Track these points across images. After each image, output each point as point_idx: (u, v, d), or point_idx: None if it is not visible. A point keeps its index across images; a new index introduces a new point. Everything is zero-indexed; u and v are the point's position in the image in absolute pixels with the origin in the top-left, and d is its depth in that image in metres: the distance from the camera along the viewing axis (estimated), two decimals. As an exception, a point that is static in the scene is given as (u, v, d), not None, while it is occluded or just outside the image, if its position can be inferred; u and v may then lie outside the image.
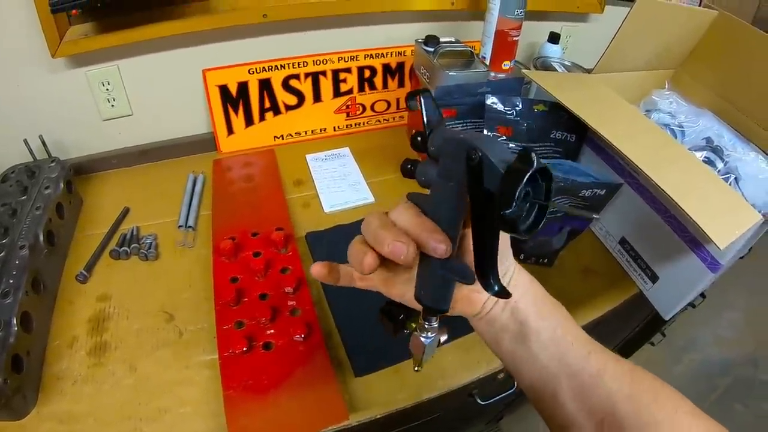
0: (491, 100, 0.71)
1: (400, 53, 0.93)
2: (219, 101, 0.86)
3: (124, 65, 0.79)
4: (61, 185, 0.70)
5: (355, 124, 0.99)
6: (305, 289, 0.63)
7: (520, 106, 0.72)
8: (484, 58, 0.84)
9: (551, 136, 0.73)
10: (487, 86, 0.75)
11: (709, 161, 0.68)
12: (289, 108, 0.91)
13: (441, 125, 0.33)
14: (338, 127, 0.97)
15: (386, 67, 0.94)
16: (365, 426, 0.52)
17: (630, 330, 1.12)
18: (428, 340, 0.34)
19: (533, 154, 0.23)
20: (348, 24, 0.89)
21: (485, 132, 0.73)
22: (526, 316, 0.32)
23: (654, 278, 0.66)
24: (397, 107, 1.00)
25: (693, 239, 0.59)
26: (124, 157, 0.86)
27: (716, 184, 0.56)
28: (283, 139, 0.94)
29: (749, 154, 0.69)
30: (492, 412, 1.06)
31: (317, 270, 0.35)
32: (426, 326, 0.33)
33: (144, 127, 0.87)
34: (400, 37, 0.93)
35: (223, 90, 0.85)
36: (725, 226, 0.50)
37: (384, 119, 1.00)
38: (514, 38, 0.81)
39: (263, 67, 0.85)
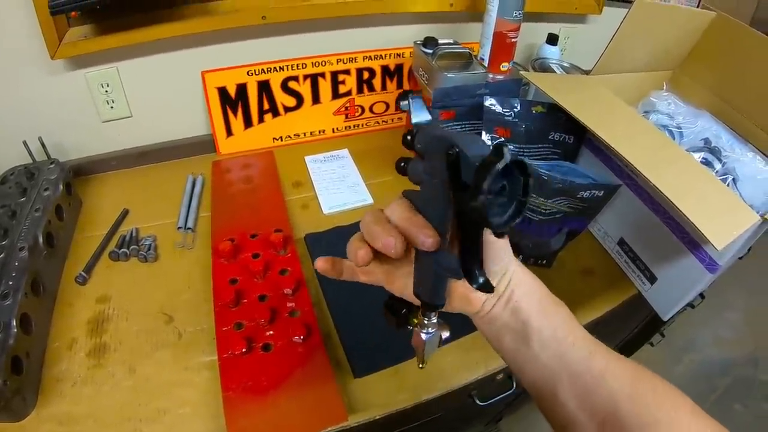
0: (490, 102, 0.71)
1: (398, 55, 0.93)
2: (218, 103, 0.86)
3: (124, 67, 0.79)
4: (61, 187, 0.70)
5: (354, 126, 0.99)
6: (304, 290, 0.63)
7: (519, 107, 0.72)
8: (483, 59, 0.84)
9: (549, 137, 0.73)
10: (485, 88, 0.75)
11: (707, 162, 0.68)
12: (288, 110, 0.91)
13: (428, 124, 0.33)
14: (337, 128, 0.97)
15: (385, 69, 0.94)
16: (364, 427, 0.53)
17: (629, 331, 1.13)
18: (428, 336, 0.34)
19: (506, 148, 0.24)
20: (347, 26, 0.90)
21: (483, 134, 0.73)
22: (528, 315, 0.32)
23: (652, 279, 0.67)
24: (396, 109, 1.00)
25: (691, 240, 0.59)
26: (123, 158, 0.87)
27: (714, 185, 0.57)
28: (282, 140, 0.94)
29: (747, 155, 0.69)
30: (491, 413, 1.06)
31: (321, 264, 0.37)
32: (425, 322, 0.34)
33: (143, 128, 0.87)
34: (398, 39, 0.93)
35: (222, 92, 0.85)
36: (723, 226, 0.50)
37: (383, 121, 1.01)
38: (513, 40, 0.81)
39: (262, 69, 0.85)
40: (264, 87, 0.87)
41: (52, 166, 0.72)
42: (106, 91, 0.80)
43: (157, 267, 0.68)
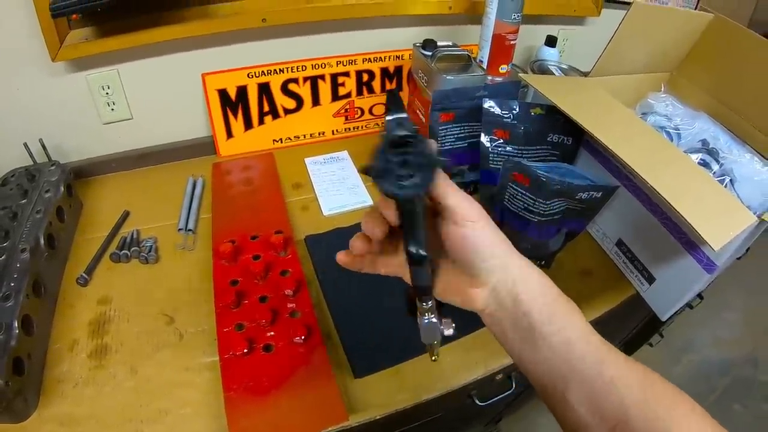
0: (488, 104, 0.72)
1: (398, 57, 0.94)
2: (218, 105, 0.86)
3: (124, 69, 0.80)
4: (62, 189, 0.70)
5: (354, 128, 0.99)
6: (305, 291, 0.63)
7: (517, 109, 0.72)
8: (482, 61, 0.85)
9: (548, 139, 0.74)
10: (484, 90, 0.75)
11: (704, 163, 0.69)
12: (287, 112, 0.92)
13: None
14: (337, 130, 0.98)
15: (384, 71, 0.95)
16: (365, 427, 0.53)
17: (628, 331, 1.13)
18: (425, 322, 0.36)
19: (392, 124, 0.28)
20: (346, 28, 0.90)
21: (483, 136, 0.73)
22: (536, 318, 0.32)
23: (651, 279, 0.67)
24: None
25: (689, 241, 0.60)
26: (123, 160, 0.87)
27: (711, 186, 0.57)
28: (282, 142, 0.95)
29: (745, 156, 0.69)
30: (491, 414, 1.06)
31: (342, 258, 0.38)
32: (424, 306, 0.35)
33: (144, 130, 0.88)
34: (398, 42, 0.94)
35: (223, 94, 0.86)
36: (720, 227, 0.50)
37: (382, 123, 1.01)
38: (511, 42, 0.82)
39: (262, 71, 0.86)
40: (264, 89, 0.88)
41: (52, 167, 0.72)
42: (107, 93, 0.81)
43: (158, 268, 0.69)
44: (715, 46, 0.80)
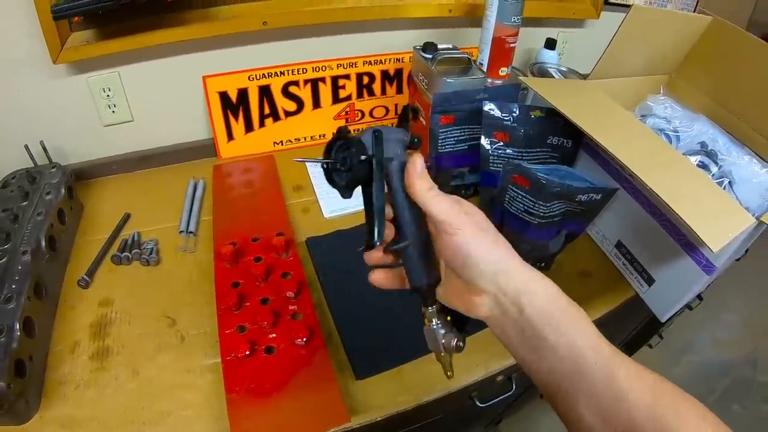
0: (488, 107, 0.72)
1: (398, 60, 0.94)
2: (219, 107, 0.87)
3: (125, 72, 0.80)
4: (63, 191, 0.70)
5: (354, 131, 0.99)
6: (306, 293, 0.63)
7: (517, 112, 0.73)
8: (482, 64, 0.85)
9: (548, 141, 0.74)
10: (484, 92, 0.76)
11: (703, 165, 0.69)
12: (288, 114, 0.92)
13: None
14: (337, 132, 0.98)
15: (385, 74, 0.95)
16: (366, 428, 0.53)
17: (627, 333, 1.13)
18: (425, 327, 0.37)
19: (341, 129, 0.34)
20: (347, 31, 0.90)
21: (483, 138, 0.74)
22: (542, 328, 0.31)
23: (650, 281, 0.67)
24: (396, 113, 1.01)
25: (688, 242, 0.60)
26: (124, 162, 0.87)
27: (710, 188, 0.57)
28: (282, 144, 0.95)
29: (743, 158, 0.70)
30: (491, 415, 1.06)
31: (377, 277, 0.38)
32: (429, 311, 0.37)
33: (144, 133, 0.88)
34: (398, 44, 0.94)
35: (223, 96, 0.86)
36: (719, 229, 0.50)
37: (383, 125, 1.01)
38: (511, 45, 0.82)
39: (263, 74, 0.86)
40: (265, 91, 0.88)
41: (53, 170, 0.72)
42: (108, 96, 0.81)
43: (160, 270, 0.69)
44: (713, 48, 0.80)
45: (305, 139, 0.96)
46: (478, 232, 0.32)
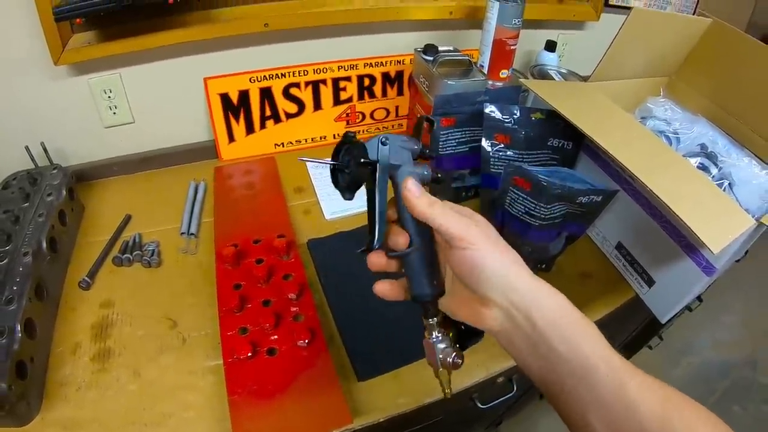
0: (489, 109, 0.72)
1: (399, 62, 0.94)
2: (220, 109, 0.87)
3: (126, 73, 0.80)
4: (64, 192, 0.70)
5: (355, 132, 0.99)
6: (308, 295, 0.63)
7: (518, 114, 0.73)
8: (482, 66, 0.86)
9: (548, 143, 0.74)
10: (485, 95, 0.76)
11: (703, 167, 0.69)
12: (289, 116, 0.92)
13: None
14: (338, 134, 0.98)
15: (385, 76, 0.95)
16: (368, 430, 0.53)
17: (627, 334, 1.13)
18: (430, 340, 0.36)
19: (348, 134, 0.35)
20: (348, 33, 0.91)
21: (484, 140, 0.74)
22: (553, 341, 0.31)
23: (650, 282, 0.67)
24: (396, 115, 1.01)
25: (688, 244, 0.60)
26: (125, 164, 0.87)
27: (710, 190, 0.57)
28: (283, 146, 0.95)
29: (743, 160, 0.70)
30: (492, 416, 1.06)
31: (381, 288, 0.38)
32: (430, 323, 0.36)
33: (145, 134, 0.88)
34: (399, 46, 0.94)
35: (224, 98, 0.86)
36: (719, 230, 0.51)
37: (383, 127, 1.01)
38: (512, 47, 0.83)
39: (264, 76, 0.86)
40: (266, 93, 0.88)
41: (54, 171, 0.72)
42: (109, 97, 0.81)
43: (161, 272, 0.69)
44: (713, 50, 0.81)
45: (306, 141, 0.96)
46: (491, 245, 0.32)
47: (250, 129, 0.91)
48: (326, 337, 0.59)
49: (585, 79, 0.82)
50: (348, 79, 0.92)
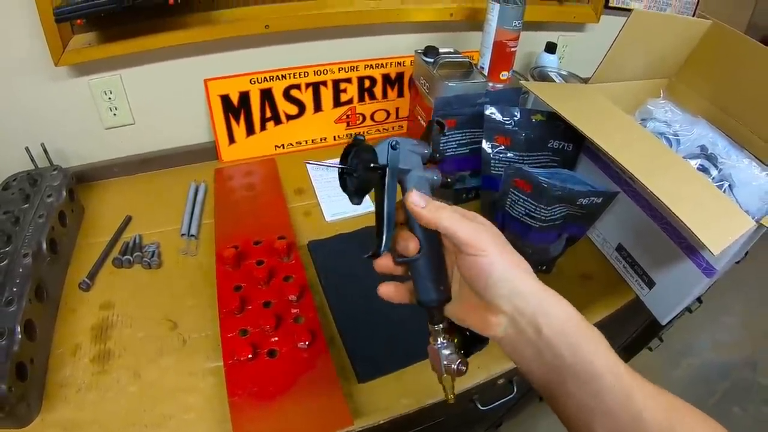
0: (490, 111, 0.72)
1: (399, 63, 0.94)
2: (220, 111, 0.87)
3: (127, 74, 0.80)
4: (64, 193, 0.70)
5: (364, 136, 0.99)
6: (308, 296, 0.63)
7: (519, 116, 0.73)
8: (483, 68, 0.86)
9: (549, 145, 0.74)
10: (485, 96, 0.76)
11: (703, 169, 0.70)
12: (290, 117, 0.92)
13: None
14: (338, 136, 0.98)
15: (386, 78, 0.95)
16: (369, 431, 0.53)
17: (628, 335, 1.13)
18: (434, 346, 0.36)
19: (358, 138, 0.33)
20: (348, 35, 0.91)
21: (484, 142, 0.74)
22: (560, 350, 0.31)
23: (650, 284, 0.67)
24: (397, 117, 1.01)
25: (688, 245, 0.60)
26: (125, 165, 0.87)
27: (710, 191, 0.58)
28: (284, 148, 0.95)
29: (743, 161, 0.70)
30: (492, 418, 1.06)
31: (385, 290, 0.38)
32: (435, 329, 0.36)
33: (146, 135, 0.88)
34: (399, 48, 0.94)
35: (225, 99, 0.86)
36: (719, 232, 0.51)
37: (384, 128, 1.01)
38: (512, 49, 0.83)
39: (265, 77, 0.86)
40: (266, 95, 0.88)
41: (54, 172, 0.72)
42: (109, 98, 0.81)
43: (161, 273, 0.69)
44: (713, 52, 0.81)
45: (306, 143, 0.96)
46: (501, 252, 0.32)
47: (250, 130, 0.91)
48: (327, 339, 0.59)
49: (585, 80, 0.82)
50: (348, 80, 0.92)
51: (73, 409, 0.52)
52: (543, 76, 0.98)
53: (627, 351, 1.25)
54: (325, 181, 0.87)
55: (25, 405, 0.49)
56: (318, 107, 0.93)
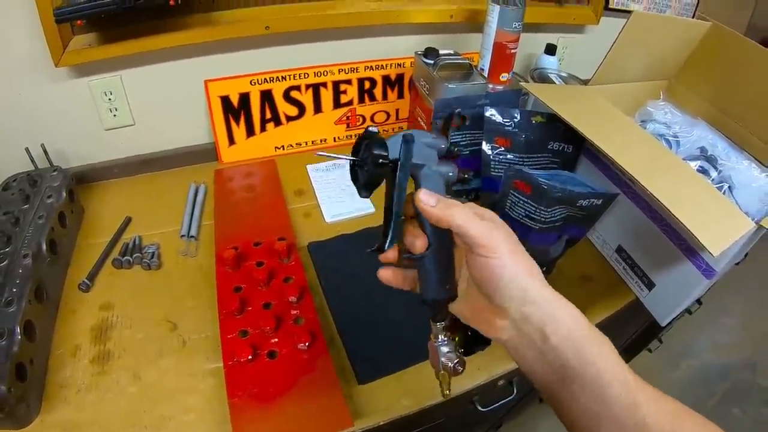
0: (490, 112, 0.72)
1: (399, 65, 0.94)
2: (221, 112, 0.87)
3: (127, 75, 0.80)
4: (64, 194, 0.70)
5: (356, 135, 0.99)
6: (308, 297, 0.63)
7: (519, 117, 0.73)
8: (483, 70, 0.86)
9: (549, 147, 0.74)
10: (485, 98, 0.76)
11: (703, 170, 0.70)
12: (290, 119, 0.92)
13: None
14: (338, 137, 0.98)
15: (386, 79, 0.95)
16: (369, 433, 0.53)
17: (627, 337, 1.13)
18: (434, 343, 0.36)
19: (370, 130, 0.33)
20: (349, 36, 0.91)
21: (484, 144, 0.74)
22: (566, 356, 0.30)
23: (650, 285, 0.67)
24: (397, 118, 1.01)
25: (688, 247, 0.60)
26: (125, 166, 0.87)
27: (710, 193, 0.58)
28: (284, 149, 0.95)
29: (743, 163, 0.70)
30: (492, 419, 1.06)
31: (385, 274, 0.37)
32: (437, 327, 0.36)
33: (146, 136, 0.88)
34: (399, 50, 0.94)
35: (225, 101, 0.86)
36: (719, 233, 0.51)
37: (384, 130, 1.01)
38: (512, 50, 0.83)
39: (265, 79, 0.86)
40: (266, 96, 0.88)
41: (54, 173, 0.72)
42: (109, 99, 0.81)
43: (161, 275, 0.69)
44: (712, 53, 0.81)
45: (306, 144, 0.96)
46: (513, 254, 0.32)
47: (250, 131, 0.91)
48: (327, 340, 0.59)
49: (585, 82, 0.82)
50: (348, 82, 0.92)
51: (72, 410, 0.52)
52: (543, 78, 0.98)
53: (627, 352, 1.25)
54: (325, 183, 0.87)
55: (24, 406, 0.49)
56: (318, 108, 0.93)
